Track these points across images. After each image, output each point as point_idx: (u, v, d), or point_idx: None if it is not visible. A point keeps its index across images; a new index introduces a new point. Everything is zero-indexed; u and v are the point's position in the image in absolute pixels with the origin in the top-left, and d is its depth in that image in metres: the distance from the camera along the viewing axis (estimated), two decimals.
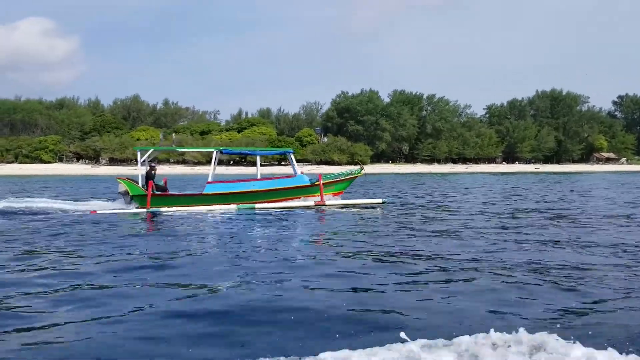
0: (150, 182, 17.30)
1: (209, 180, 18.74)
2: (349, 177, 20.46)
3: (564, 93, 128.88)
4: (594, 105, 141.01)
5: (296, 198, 18.89)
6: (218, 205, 17.40)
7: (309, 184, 19.12)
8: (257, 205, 17.33)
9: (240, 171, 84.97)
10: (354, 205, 18.45)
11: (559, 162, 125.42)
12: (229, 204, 17.59)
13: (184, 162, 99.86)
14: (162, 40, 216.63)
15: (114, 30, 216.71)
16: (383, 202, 18.84)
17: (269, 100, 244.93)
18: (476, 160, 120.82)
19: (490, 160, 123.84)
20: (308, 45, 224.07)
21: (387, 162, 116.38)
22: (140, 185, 17.62)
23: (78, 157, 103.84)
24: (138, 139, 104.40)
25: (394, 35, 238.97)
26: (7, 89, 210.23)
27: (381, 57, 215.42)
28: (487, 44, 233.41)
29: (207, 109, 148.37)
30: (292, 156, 20.16)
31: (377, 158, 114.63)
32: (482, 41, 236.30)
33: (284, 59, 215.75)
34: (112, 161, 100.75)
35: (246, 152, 25.14)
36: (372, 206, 18.36)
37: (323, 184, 19.17)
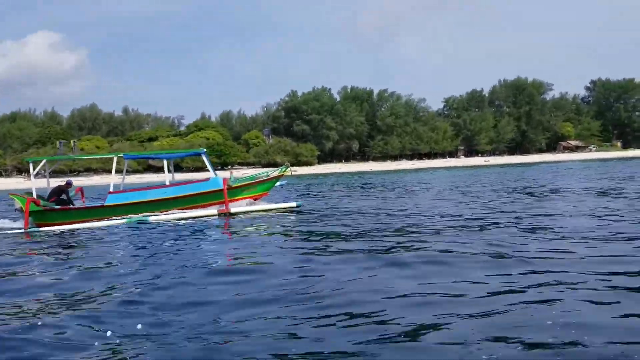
0: (29, 198, 15.54)
1: (111, 190, 16.93)
2: (273, 176, 18.84)
3: (529, 81, 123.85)
4: (567, 92, 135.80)
5: (212, 204, 16.95)
6: (105, 221, 15.54)
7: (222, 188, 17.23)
8: (151, 218, 15.44)
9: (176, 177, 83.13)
10: (264, 211, 16.34)
11: (524, 152, 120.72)
12: (133, 214, 15.97)
13: (119, 171, 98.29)
14: (168, 49, 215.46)
15: (120, 41, 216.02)
16: (297, 206, 16.68)
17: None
18: (434, 155, 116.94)
19: (452, 154, 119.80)
20: (315, 46, 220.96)
21: (339, 161, 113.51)
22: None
23: (19, 171, 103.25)
24: (82, 149, 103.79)
25: (399, 36, 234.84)
26: (24, 104, 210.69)
27: (386, 58, 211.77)
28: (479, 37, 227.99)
29: (171, 115, 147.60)
30: (205, 157, 18.13)
31: (327, 158, 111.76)
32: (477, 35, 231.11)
33: (288, 60, 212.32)
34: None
35: (152, 156, 23.79)
36: (286, 211, 16.23)
37: (243, 185, 17.79)
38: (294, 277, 6.77)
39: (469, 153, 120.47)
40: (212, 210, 16.31)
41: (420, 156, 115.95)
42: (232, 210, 16.19)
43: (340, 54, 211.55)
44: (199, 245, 10.36)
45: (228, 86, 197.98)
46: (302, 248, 9.24)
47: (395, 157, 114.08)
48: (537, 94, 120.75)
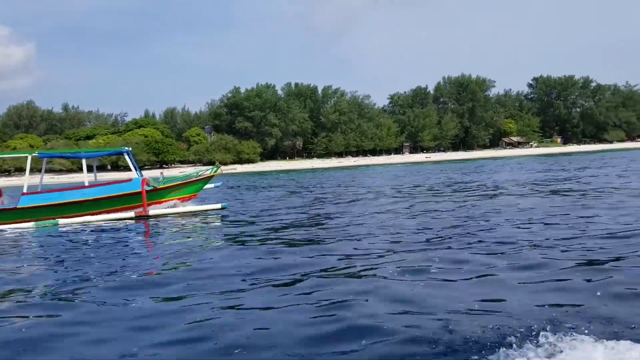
0: None
1: (25, 191, 15.82)
2: (202, 176, 17.75)
3: (472, 77, 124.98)
4: (510, 89, 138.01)
5: (133, 207, 15.82)
6: (12, 224, 14.76)
7: (146, 189, 16.04)
8: (61, 221, 14.74)
9: (112, 176, 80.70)
10: (186, 214, 15.49)
11: (468, 148, 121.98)
12: (48, 217, 15.12)
13: (50, 170, 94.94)
14: (118, 43, 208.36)
15: (69, 35, 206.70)
16: (222, 208, 15.56)
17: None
18: (379, 152, 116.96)
19: (397, 150, 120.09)
20: (272, 42, 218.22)
21: (284, 158, 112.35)
22: None
23: None
24: (14, 148, 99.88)
25: (357, 30, 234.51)
26: None
27: (345, 53, 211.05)
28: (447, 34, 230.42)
29: (114, 112, 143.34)
30: (128, 156, 16.94)
31: (271, 155, 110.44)
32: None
33: (249, 56, 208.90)
34: None
35: (69, 155, 22.42)
36: (209, 213, 15.24)
37: (170, 187, 17.09)
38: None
39: (414, 149, 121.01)
40: (129, 213, 15.48)
41: (365, 153, 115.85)
42: (152, 212, 15.47)
43: (294, 49, 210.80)
44: (104, 252, 9.43)
45: (177, 82, 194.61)
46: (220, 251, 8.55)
47: (340, 154, 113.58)
48: (479, 90, 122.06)
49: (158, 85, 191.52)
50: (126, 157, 17.05)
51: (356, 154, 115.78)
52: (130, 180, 16.54)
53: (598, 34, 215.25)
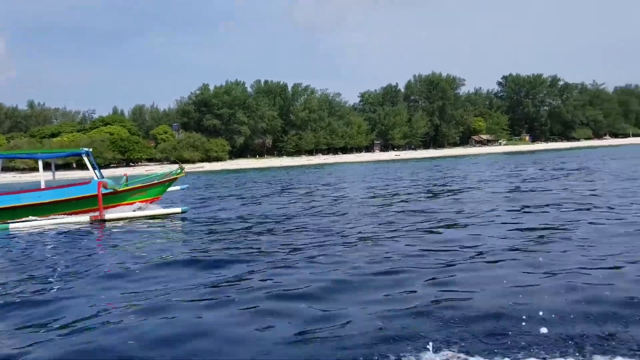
0: None
1: None
2: (165, 179, 17.18)
3: (443, 76, 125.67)
4: (480, 87, 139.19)
5: (90, 210, 15.27)
6: None
7: (105, 191, 15.45)
8: (12, 226, 14.17)
9: (77, 175, 79.33)
10: (144, 218, 14.88)
11: (439, 146, 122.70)
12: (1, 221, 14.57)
13: (13, 169, 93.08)
14: (90, 38, 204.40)
15: (42, 32, 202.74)
16: (183, 212, 15.13)
17: None
18: (350, 150, 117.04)
19: (368, 148, 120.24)
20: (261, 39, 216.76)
21: (253, 156, 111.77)
22: None
23: None
24: None
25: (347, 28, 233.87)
26: None
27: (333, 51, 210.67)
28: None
29: (81, 109, 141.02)
30: (87, 158, 16.40)
31: (240, 153, 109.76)
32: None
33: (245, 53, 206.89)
34: None
35: (25, 156, 21.31)
36: (170, 217, 14.72)
37: (131, 189, 16.62)
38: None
39: (385, 147, 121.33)
40: (84, 217, 14.97)
41: (336, 151, 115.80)
42: (108, 216, 14.93)
43: (293, 48, 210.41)
44: (34, 261, 9.00)
45: (177, 82, 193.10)
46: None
47: (310, 152, 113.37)
48: (449, 88, 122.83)
49: (159, 85, 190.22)
50: (85, 158, 16.64)
51: (327, 152, 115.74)
52: (88, 182, 16.17)
53: (598, 34, 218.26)
